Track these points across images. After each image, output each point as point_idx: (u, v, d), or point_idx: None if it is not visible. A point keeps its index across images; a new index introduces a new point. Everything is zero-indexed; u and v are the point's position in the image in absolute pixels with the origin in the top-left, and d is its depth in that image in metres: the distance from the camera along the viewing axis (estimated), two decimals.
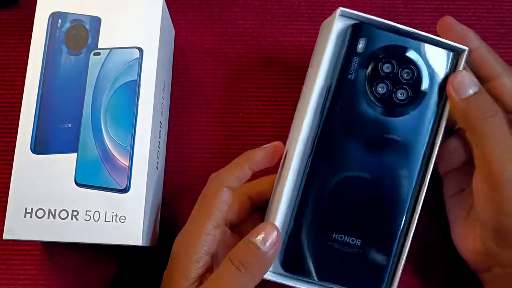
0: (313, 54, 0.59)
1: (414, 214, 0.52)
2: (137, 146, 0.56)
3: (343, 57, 0.52)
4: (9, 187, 0.54)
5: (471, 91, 0.50)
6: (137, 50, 0.58)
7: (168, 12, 0.63)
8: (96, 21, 0.58)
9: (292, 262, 0.53)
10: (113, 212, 0.54)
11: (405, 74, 0.53)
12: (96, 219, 0.54)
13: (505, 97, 0.54)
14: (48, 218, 0.54)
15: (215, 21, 0.70)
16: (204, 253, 0.52)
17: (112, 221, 0.54)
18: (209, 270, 0.52)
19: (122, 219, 0.54)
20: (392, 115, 0.52)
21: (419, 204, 0.52)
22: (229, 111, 0.66)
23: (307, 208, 0.52)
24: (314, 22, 0.69)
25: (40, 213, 0.54)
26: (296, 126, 0.55)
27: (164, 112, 0.63)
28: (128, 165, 0.55)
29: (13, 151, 0.55)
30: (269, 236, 0.49)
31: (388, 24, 0.53)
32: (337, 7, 0.53)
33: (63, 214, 0.54)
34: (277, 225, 0.51)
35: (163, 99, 0.62)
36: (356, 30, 0.53)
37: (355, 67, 0.52)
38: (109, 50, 0.58)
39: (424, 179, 0.52)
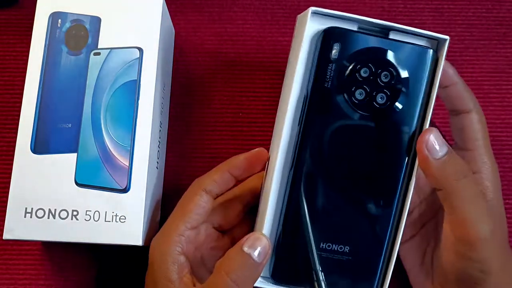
0: (290, 53, 0.57)
1: (402, 216, 0.52)
2: (137, 146, 0.56)
3: (317, 64, 0.51)
4: (9, 187, 0.54)
5: (443, 152, 0.49)
6: (137, 50, 0.57)
7: (168, 12, 0.63)
8: (96, 21, 0.58)
9: (281, 273, 0.52)
10: (113, 212, 0.54)
11: (383, 77, 0.51)
12: (96, 219, 0.54)
13: (470, 131, 0.55)
14: (48, 218, 0.54)
15: (215, 21, 0.70)
16: (178, 253, 0.52)
17: (112, 221, 0.54)
18: (188, 270, 0.52)
19: (122, 219, 0.54)
20: (373, 119, 0.51)
21: (406, 205, 0.51)
22: (229, 111, 0.66)
23: (293, 220, 0.52)
24: None
25: (40, 213, 0.54)
26: (276, 136, 0.54)
27: (164, 112, 0.63)
28: (128, 165, 0.55)
29: (13, 151, 0.55)
30: (265, 249, 0.49)
31: (364, 20, 0.51)
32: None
33: (63, 214, 0.54)
34: (266, 234, 0.51)
35: (163, 99, 0.62)
36: (328, 35, 0.51)
37: (331, 75, 0.51)
38: (109, 50, 0.58)
39: (411, 180, 0.52)
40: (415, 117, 0.51)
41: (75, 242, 0.54)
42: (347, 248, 0.52)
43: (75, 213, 0.54)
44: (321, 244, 0.51)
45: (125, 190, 0.55)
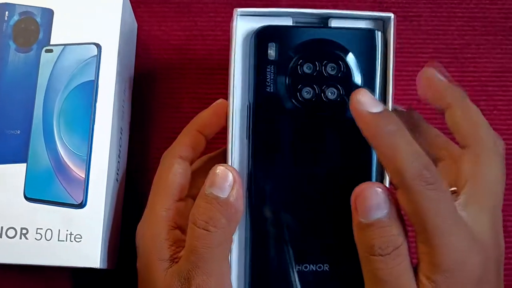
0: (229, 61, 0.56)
1: None
2: (94, 155, 0.56)
3: (255, 69, 0.52)
4: None
5: (375, 216, 0.47)
6: (94, 47, 0.58)
7: (129, 4, 0.63)
8: (48, 14, 0.58)
9: None
10: (67, 230, 0.55)
11: (330, 70, 0.52)
12: (48, 238, 0.54)
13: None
14: None
15: (183, 13, 0.70)
16: (171, 228, 0.53)
17: (66, 240, 0.54)
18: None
19: (78, 238, 0.55)
20: (328, 118, 0.52)
21: None
22: None
23: (260, 247, 0.52)
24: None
25: None
26: (227, 154, 0.53)
27: (126, 117, 0.64)
28: (84, 177, 0.56)
29: None
30: (223, 180, 0.50)
31: (298, 12, 0.52)
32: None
33: (11, 233, 0.55)
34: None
35: (124, 102, 0.63)
36: (261, 36, 0.52)
37: (271, 77, 0.51)
38: (63, 46, 0.58)
39: (384, 174, 0.52)
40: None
41: (24, 264, 0.54)
42: (326, 266, 0.52)
43: (24, 231, 0.54)
44: (297, 267, 0.52)
45: (81, 205, 0.55)
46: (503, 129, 0.69)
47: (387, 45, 0.53)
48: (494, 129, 0.64)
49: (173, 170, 0.54)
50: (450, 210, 0.47)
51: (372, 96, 0.48)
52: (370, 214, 0.47)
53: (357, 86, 0.52)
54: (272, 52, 0.51)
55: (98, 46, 0.58)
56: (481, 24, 0.71)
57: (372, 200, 0.47)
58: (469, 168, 0.51)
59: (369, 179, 0.52)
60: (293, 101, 0.52)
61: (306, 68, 0.52)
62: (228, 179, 0.50)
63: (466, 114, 0.53)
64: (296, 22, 0.53)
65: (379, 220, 0.47)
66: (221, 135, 0.55)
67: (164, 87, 0.69)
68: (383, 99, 0.52)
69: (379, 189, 0.47)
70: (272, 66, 0.51)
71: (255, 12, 0.52)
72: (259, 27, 0.52)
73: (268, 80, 0.51)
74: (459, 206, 0.49)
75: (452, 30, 0.71)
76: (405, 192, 0.46)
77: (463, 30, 0.71)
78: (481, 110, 0.66)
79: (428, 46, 0.71)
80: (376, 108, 0.47)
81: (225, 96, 0.55)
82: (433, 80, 0.54)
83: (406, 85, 0.69)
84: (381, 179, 0.52)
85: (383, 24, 0.54)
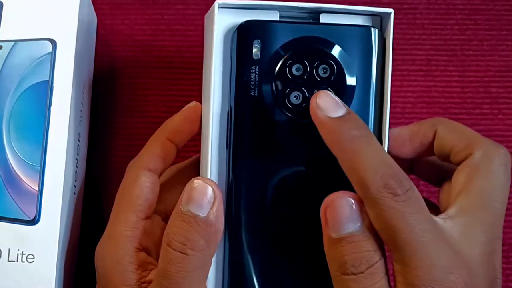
0: (203, 61, 0.57)
1: None
2: (49, 165, 0.57)
3: (237, 70, 0.52)
4: None
5: (347, 230, 0.47)
6: (49, 43, 0.58)
7: None
8: None
9: None
10: (18, 250, 0.55)
11: (322, 72, 0.51)
12: None
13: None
14: None
15: (149, 5, 0.71)
16: (136, 250, 0.53)
17: (17, 260, 0.55)
18: (152, 268, 0.53)
19: (30, 258, 0.55)
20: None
21: None
22: (165, 120, 0.64)
23: (240, 270, 0.52)
24: None
25: None
26: (202, 167, 0.54)
27: (84, 122, 0.64)
28: (37, 189, 0.56)
29: None
30: (202, 196, 0.49)
31: (285, 6, 0.52)
32: None
33: None
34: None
35: (83, 105, 0.63)
36: (244, 32, 0.52)
37: (256, 79, 0.51)
38: (13, 42, 0.58)
39: None
40: (370, 112, 0.52)
41: None
42: None
43: None
44: None
45: (34, 221, 0.55)
46: (508, 135, 0.69)
47: (385, 44, 0.53)
48: (498, 135, 0.66)
49: (139, 184, 0.54)
50: (424, 224, 0.46)
51: (334, 98, 0.49)
52: (341, 228, 0.47)
53: (350, 90, 0.52)
54: (256, 51, 0.51)
55: (53, 42, 0.59)
56: (484, 18, 0.72)
57: (343, 211, 0.47)
58: (464, 178, 0.51)
59: None
60: (280, 107, 0.52)
61: (295, 69, 0.52)
62: (208, 194, 0.49)
63: (454, 127, 0.54)
64: (283, 17, 0.53)
65: (351, 234, 0.47)
66: (191, 142, 0.56)
67: (127, 88, 0.69)
68: (379, 104, 0.53)
69: (351, 199, 0.47)
70: (257, 66, 0.51)
71: (237, 4, 0.52)
72: (242, 22, 0.52)
73: (252, 82, 0.51)
74: (445, 217, 0.49)
75: (452, 24, 0.72)
76: (371, 205, 0.46)
77: (464, 24, 0.72)
78: (484, 113, 0.67)
79: (424, 42, 0.71)
80: (337, 112, 0.48)
81: (197, 98, 0.56)
82: (403, 131, 0.55)
83: (400, 86, 0.70)
84: None
85: (380, 20, 0.54)
